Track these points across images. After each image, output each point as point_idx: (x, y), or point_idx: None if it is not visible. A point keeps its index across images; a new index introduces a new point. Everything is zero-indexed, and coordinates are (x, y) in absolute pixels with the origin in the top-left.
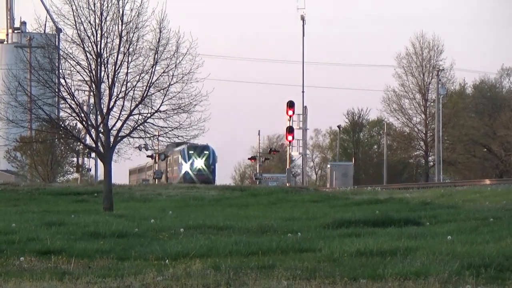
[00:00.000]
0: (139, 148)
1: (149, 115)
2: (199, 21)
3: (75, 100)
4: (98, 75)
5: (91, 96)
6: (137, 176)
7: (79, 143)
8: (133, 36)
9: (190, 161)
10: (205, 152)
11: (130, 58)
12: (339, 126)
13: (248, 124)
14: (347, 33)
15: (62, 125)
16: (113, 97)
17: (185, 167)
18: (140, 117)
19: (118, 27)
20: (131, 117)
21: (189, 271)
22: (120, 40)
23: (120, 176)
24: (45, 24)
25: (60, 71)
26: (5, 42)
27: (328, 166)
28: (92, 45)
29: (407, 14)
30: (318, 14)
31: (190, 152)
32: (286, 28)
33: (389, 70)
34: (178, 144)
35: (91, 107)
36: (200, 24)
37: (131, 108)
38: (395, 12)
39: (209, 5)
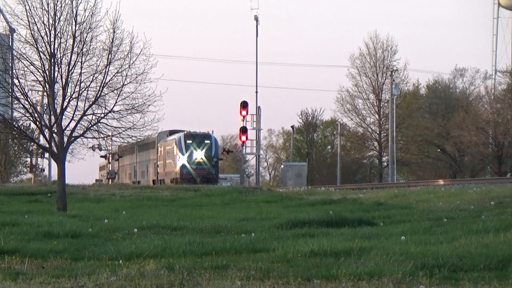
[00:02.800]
0: (93, 148)
1: (102, 115)
2: (152, 21)
3: (29, 100)
4: (52, 75)
5: (44, 96)
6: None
7: (32, 143)
8: (86, 36)
9: (188, 152)
10: (206, 141)
11: (83, 58)
12: (292, 127)
13: (202, 124)
14: (302, 34)
15: (16, 125)
16: (66, 97)
17: (182, 160)
18: (94, 117)
19: (71, 27)
20: (85, 117)
21: (142, 271)
22: (74, 40)
23: (75, 176)
24: None
25: (14, 71)
26: None
27: (282, 166)
28: (45, 45)
29: (361, 14)
30: (273, 15)
31: (188, 141)
32: (241, 28)
33: (343, 70)
34: (171, 132)
35: (45, 107)
36: (153, 24)
37: (85, 108)
38: (349, 12)
39: (163, 5)
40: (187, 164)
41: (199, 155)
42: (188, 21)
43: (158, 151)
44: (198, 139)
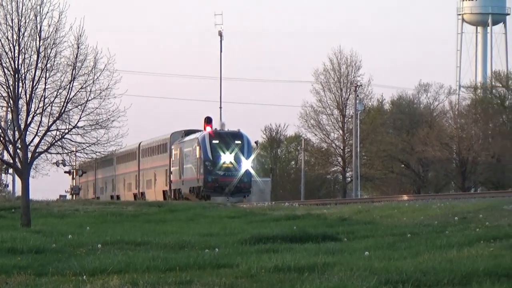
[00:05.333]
0: (57, 164)
1: (66, 131)
2: (117, 36)
3: None
4: (16, 91)
5: (8, 112)
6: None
7: None
8: (50, 52)
9: (214, 155)
10: (237, 141)
11: (48, 74)
12: (256, 142)
13: None
14: (266, 49)
15: None
16: (30, 113)
17: (207, 164)
18: (58, 133)
19: (36, 42)
20: (49, 133)
21: (106, 287)
22: (38, 55)
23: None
24: None
25: None
26: None
27: None
28: (9, 61)
29: (325, 29)
30: (237, 30)
31: (214, 141)
32: (206, 44)
33: (307, 85)
34: (188, 132)
35: (9, 123)
36: (118, 40)
37: (49, 124)
38: (314, 27)
39: (127, 21)
40: (213, 170)
41: (227, 158)
42: (153, 37)
43: (172, 154)
44: (227, 138)
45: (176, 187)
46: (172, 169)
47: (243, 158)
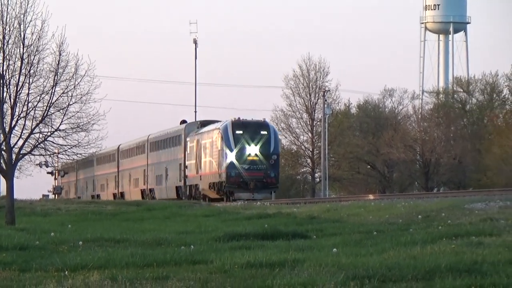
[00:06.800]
0: (40, 165)
1: (49, 133)
2: (97, 43)
3: None
4: (1, 96)
5: None
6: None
7: None
8: (34, 59)
9: (238, 147)
10: (263, 132)
11: (31, 80)
12: None
13: None
14: (239, 55)
15: None
16: (15, 116)
17: (230, 157)
18: (41, 135)
19: (19, 50)
20: (32, 136)
21: (87, 282)
22: (22, 62)
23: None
24: None
25: None
26: None
27: None
28: None
29: (295, 36)
30: (212, 37)
31: (238, 132)
32: (181, 50)
33: (278, 91)
34: (204, 123)
35: None
36: (98, 47)
37: (32, 127)
38: (284, 35)
39: (106, 29)
40: (236, 163)
41: (253, 150)
42: (131, 44)
43: (188, 147)
44: (252, 128)
45: (192, 182)
46: (187, 163)
47: (269, 151)
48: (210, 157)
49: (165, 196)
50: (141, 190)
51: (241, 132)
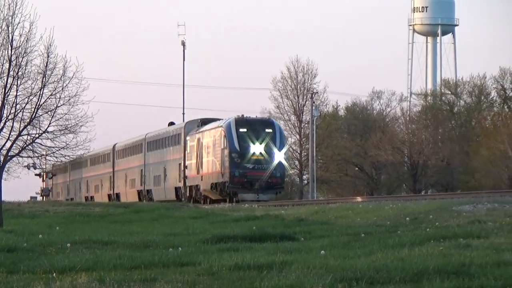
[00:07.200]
0: (28, 167)
1: (37, 135)
2: (85, 45)
3: None
4: None
5: None
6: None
7: None
8: (22, 61)
9: (242, 145)
10: (268, 130)
11: (19, 81)
12: None
13: None
14: (227, 57)
15: None
16: (3, 118)
17: (233, 156)
18: (29, 137)
19: (7, 52)
20: (20, 138)
21: (75, 284)
22: (10, 64)
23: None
24: None
25: None
26: None
27: None
28: None
29: (282, 38)
30: (200, 39)
31: (242, 129)
32: (169, 52)
33: (266, 93)
34: (204, 121)
35: None
36: (86, 49)
37: (20, 129)
38: (273, 37)
39: (94, 31)
40: (240, 163)
41: (257, 149)
42: (119, 45)
43: (188, 146)
44: (256, 126)
45: (192, 183)
46: (187, 162)
47: (275, 149)
48: (212, 157)
49: (163, 197)
50: (137, 191)
51: (245, 130)
